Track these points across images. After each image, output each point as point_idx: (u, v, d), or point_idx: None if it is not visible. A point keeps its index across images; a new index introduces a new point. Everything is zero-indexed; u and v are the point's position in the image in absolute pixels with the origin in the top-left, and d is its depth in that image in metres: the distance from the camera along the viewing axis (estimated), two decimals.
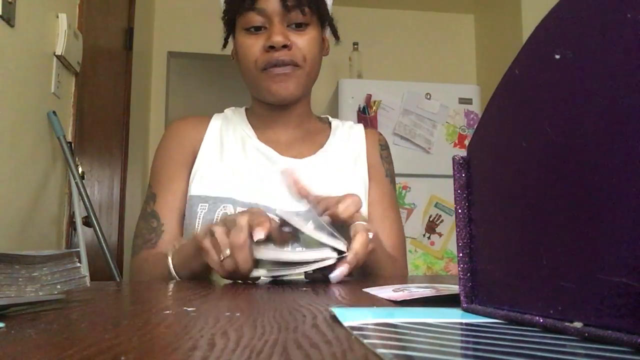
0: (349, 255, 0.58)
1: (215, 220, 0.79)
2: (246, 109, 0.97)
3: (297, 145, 0.91)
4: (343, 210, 0.62)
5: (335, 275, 0.57)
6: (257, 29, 0.83)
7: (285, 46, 0.81)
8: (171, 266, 0.69)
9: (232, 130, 0.91)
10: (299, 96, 0.87)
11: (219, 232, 0.59)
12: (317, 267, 0.58)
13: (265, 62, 0.82)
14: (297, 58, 0.82)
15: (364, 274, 0.74)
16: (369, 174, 0.92)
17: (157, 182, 0.88)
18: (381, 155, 0.95)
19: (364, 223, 0.63)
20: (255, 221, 0.57)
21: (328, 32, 0.93)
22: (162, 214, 0.83)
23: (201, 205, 0.81)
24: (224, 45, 0.92)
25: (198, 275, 0.68)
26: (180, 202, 0.85)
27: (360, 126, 0.97)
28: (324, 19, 0.89)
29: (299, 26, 0.83)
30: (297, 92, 0.85)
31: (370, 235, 0.62)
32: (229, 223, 0.59)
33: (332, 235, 0.59)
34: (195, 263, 0.65)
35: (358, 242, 0.59)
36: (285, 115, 0.90)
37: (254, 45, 0.83)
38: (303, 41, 0.83)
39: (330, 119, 0.99)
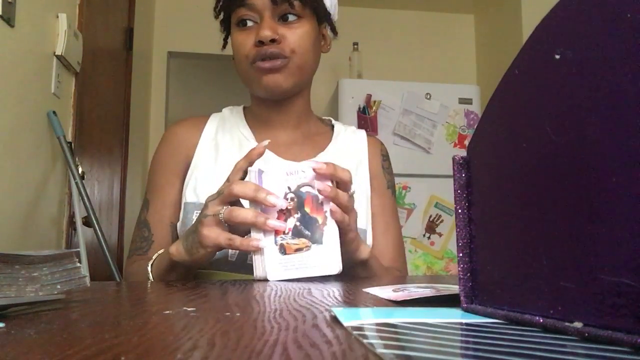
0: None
1: None
2: (245, 108, 0.96)
3: (296, 147, 0.90)
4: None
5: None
6: (246, 22, 0.83)
7: (273, 40, 0.80)
8: (150, 275, 0.72)
9: (228, 131, 0.90)
10: (290, 89, 0.85)
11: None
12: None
13: (255, 56, 0.81)
14: (286, 51, 0.81)
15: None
16: (371, 184, 0.91)
17: (150, 189, 0.88)
18: (383, 166, 0.94)
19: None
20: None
21: (329, 30, 0.92)
22: (152, 224, 0.84)
23: (196, 212, 0.80)
24: (224, 46, 0.92)
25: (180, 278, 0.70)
26: (171, 211, 0.85)
27: (363, 132, 0.96)
28: (320, 13, 0.87)
29: (290, 19, 0.83)
30: (286, 84, 0.83)
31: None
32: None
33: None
34: (171, 274, 0.70)
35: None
36: (283, 114, 0.89)
37: (245, 41, 0.83)
38: (293, 35, 0.82)
39: (333, 121, 0.98)
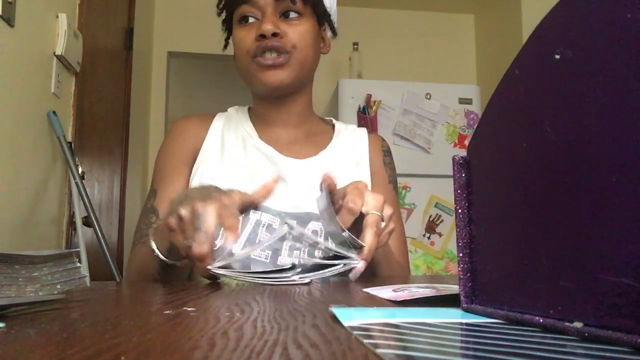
0: (364, 252, 0.60)
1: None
2: (249, 108, 0.98)
3: (298, 145, 0.91)
4: (350, 209, 0.63)
5: (354, 274, 0.59)
6: (248, 19, 0.84)
7: (275, 35, 0.82)
8: (154, 245, 0.64)
9: (233, 129, 0.92)
10: (291, 84, 0.86)
11: (186, 219, 0.56)
12: (342, 270, 0.60)
13: (256, 50, 0.82)
14: (287, 46, 0.83)
15: (372, 272, 0.74)
16: (372, 179, 0.91)
17: (158, 179, 0.88)
18: (384, 161, 0.95)
19: (375, 213, 0.63)
20: (225, 223, 0.55)
21: (330, 33, 0.93)
22: (161, 210, 0.83)
23: None
24: (225, 46, 0.93)
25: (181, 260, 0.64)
26: None
27: (364, 130, 0.97)
28: (320, 13, 0.89)
29: (292, 16, 0.84)
30: (288, 79, 0.85)
31: (383, 223, 0.63)
32: (196, 207, 0.56)
33: (345, 242, 0.60)
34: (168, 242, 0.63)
35: (369, 237, 0.61)
36: (285, 113, 0.91)
37: (246, 36, 0.84)
38: (294, 31, 0.84)
39: (334, 121, 1.00)
